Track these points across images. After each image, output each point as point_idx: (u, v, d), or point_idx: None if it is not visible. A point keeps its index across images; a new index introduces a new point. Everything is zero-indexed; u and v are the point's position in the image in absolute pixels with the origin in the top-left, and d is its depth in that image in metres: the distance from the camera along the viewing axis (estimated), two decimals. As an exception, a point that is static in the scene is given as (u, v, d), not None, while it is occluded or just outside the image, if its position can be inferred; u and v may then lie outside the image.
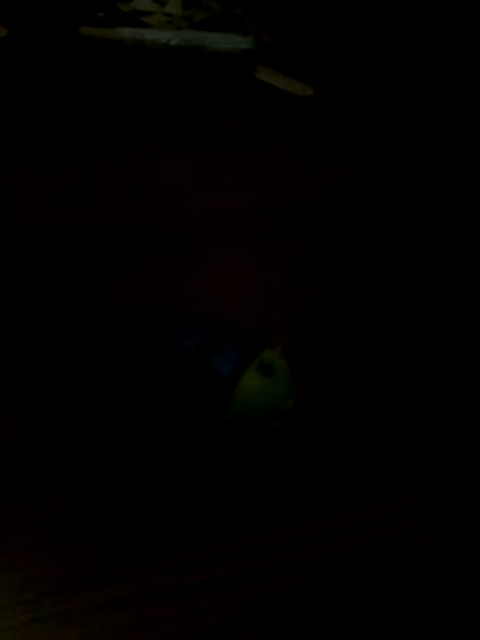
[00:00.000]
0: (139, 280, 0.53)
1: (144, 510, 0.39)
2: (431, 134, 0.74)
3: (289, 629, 0.36)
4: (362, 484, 0.42)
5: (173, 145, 0.66)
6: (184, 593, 0.36)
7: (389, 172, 0.69)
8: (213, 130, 0.69)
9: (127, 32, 0.72)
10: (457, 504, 0.43)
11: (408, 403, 0.48)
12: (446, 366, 0.51)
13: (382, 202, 0.65)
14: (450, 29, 0.90)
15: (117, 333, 0.48)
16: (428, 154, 0.72)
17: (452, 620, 0.38)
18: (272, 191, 0.64)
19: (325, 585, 0.38)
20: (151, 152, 0.65)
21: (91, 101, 0.68)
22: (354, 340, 0.51)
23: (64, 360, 0.46)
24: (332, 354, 0.50)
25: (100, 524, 0.38)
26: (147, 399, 0.44)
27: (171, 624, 0.35)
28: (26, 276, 0.52)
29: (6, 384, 0.43)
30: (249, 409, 0.41)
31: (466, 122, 0.77)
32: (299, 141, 0.70)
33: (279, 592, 0.37)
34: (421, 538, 0.41)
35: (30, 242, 0.54)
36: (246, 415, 0.41)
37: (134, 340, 0.48)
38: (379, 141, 0.72)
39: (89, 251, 0.54)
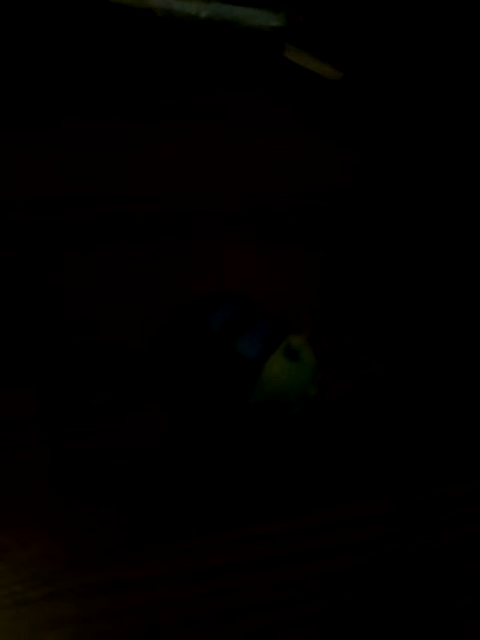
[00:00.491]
0: (154, 258, 0.52)
1: (163, 491, 0.38)
2: (462, 124, 0.73)
3: (301, 618, 0.35)
4: (382, 475, 0.42)
5: (195, 121, 0.65)
6: (201, 576, 0.35)
7: (414, 162, 0.67)
8: (237, 108, 0.68)
9: (156, 1, 0.70)
10: (477, 500, 0.42)
11: (431, 393, 0.47)
12: (473, 357, 0.50)
13: (404, 191, 0.64)
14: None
15: (136, 311, 0.47)
16: (455, 146, 0.70)
17: (465, 618, 0.37)
18: (292, 175, 0.63)
19: (342, 575, 0.37)
20: (172, 127, 0.63)
21: (115, 70, 0.66)
22: (377, 329, 0.51)
23: (82, 336, 0.45)
24: (355, 342, 0.49)
25: (118, 503, 0.37)
26: (172, 379, 0.43)
27: (187, 605, 0.34)
28: (43, 249, 0.50)
29: (25, 359, 0.43)
30: (274, 394, 0.40)
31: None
32: (324, 125, 0.69)
33: (296, 579, 0.36)
34: (445, 531, 0.40)
35: (51, 215, 0.53)
36: (270, 400, 0.40)
37: (154, 318, 0.47)
38: (405, 131, 0.71)
39: (105, 226, 0.53)
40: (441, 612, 0.37)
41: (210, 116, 0.66)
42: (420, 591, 0.38)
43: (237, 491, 0.39)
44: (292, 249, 0.56)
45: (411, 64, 0.79)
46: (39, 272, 0.48)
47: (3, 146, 0.57)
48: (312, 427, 0.43)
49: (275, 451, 0.41)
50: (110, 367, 0.43)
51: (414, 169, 0.67)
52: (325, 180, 0.63)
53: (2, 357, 0.42)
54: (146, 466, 0.39)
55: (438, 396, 0.47)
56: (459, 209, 0.64)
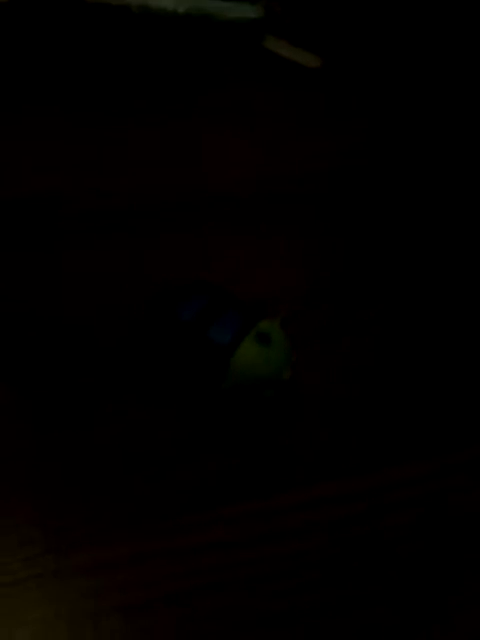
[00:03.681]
0: (139, 248, 0.53)
1: (140, 474, 0.40)
2: (440, 109, 0.73)
3: (276, 593, 0.37)
4: (356, 454, 0.43)
5: (177, 114, 0.66)
6: (178, 555, 0.37)
7: (394, 147, 0.68)
8: (218, 100, 0.69)
9: (134, -2, 0.71)
10: (448, 477, 0.43)
11: (404, 374, 0.48)
12: (445, 337, 0.51)
13: (386, 175, 0.65)
14: (465, 7, 0.88)
15: (116, 302, 0.49)
16: (436, 129, 0.71)
17: (437, 589, 0.39)
18: (275, 162, 0.64)
19: (316, 553, 0.38)
20: (153, 121, 0.64)
21: (94, 69, 0.67)
22: (353, 311, 0.52)
23: (62, 330, 0.46)
24: (330, 325, 0.50)
25: (97, 487, 0.39)
26: (146, 367, 0.45)
27: (165, 585, 0.36)
28: (26, 245, 0.52)
29: (5, 353, 0.44)
30: (246, 378, 0.41)
31: (475, 99, 0.76)
32: (305, 112, 0.70)
33: (272, 557, 0.38)
34: (412, 509, 0.41)
35: (32, 210, 0.54)
36: (243, 384, 0.41)
37: (133, 309, 0.48)
38: (387, 114, 0.71)
39: (89, 220, 0.55)
40: (407, 590, 0.38)
41: (191, 109, 0.67)
42: (397, 567, 0.39)
43: (211, 473, 0.41)
44: (274, 235, 0.57)
45: (393, 47, 0.79)
46: (17, 267, 0.50)
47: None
48: (286, 409, 0.44)
49: (249, 434, 0.43)
50: (90, 357, 0.45)
51: (401, 156, 0.67)
52: (308, 166, 0.64)
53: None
54: (125, 453, 0.41)
55: (410, 377, 0.48)
56: (445, 193, 0.64)
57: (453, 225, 0.61)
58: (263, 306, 0.44)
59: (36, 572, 0.35)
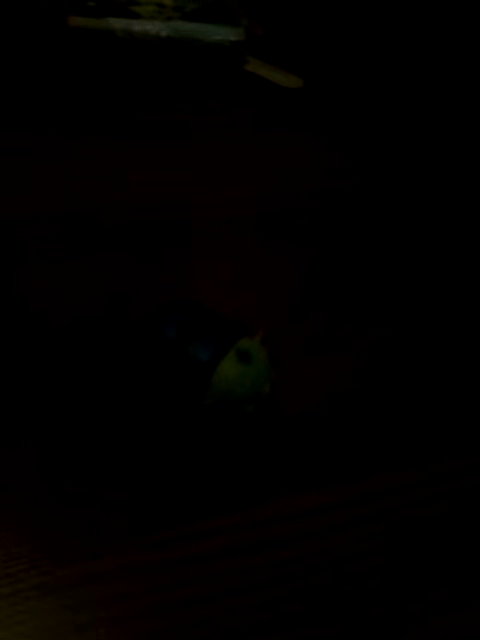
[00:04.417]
0: (123, 267, 0.54)
1: (123, 489, 0.41)
2: (421, 127, 0.75)
3: (259, 603, 0.38)
4: (335, 465, 0.44)
5: (161, 136, 0.67)
6: (161, 568, 0.38)
7: (375, 166, 0.70)
8: (199, 122, 0.70)
9: (116, 22, 0.73)
10: (429, 487, 0.44)
11: (382, 387, 0.49)
12: (423, 352, 0.53)
13: (366, 194, 0.66)
14: (445, 23, 0.90)
15: (99, 320, 0.50)
16: (417, 148, 0.73)
17: (418, 594, 0.40)
18: (255, 182, 0.65)
19: (298, 563, 0.39)
20: (138, 143, 0.66)
21: (79, 92, 0.69)
22: (332, 328, 0.53)
23: (46, 344, 0.47)
24: (310, 342, 0.51)
25: (80, 502, 0.40)
26: (129, 383, 0.46)
27: (149, 597, 0.37)
28: (14, 261, 0.53)
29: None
30: (227, 394, 0.42)
31: (458, 116, 0.78)
32: (286, 133, 0.71)
33: (253, 568, 0.39)
34: (392, 519, 0.42)
35: (22, 230, 0.55)
36: (224, 400, 0.43)
37: (117, 327, 0.49)
38: (368, 134, 0.73)
39: (77, 238, 0.56)
40: (391, 596, 0.39)
41: (174, 131, 0.68)
42: (379, 575, 0.40)
43: (194, 486, 0.41)
44: (254, 253, 0.58)
45: (373, 68, 0.81)
46: (6, 287, 0.51)
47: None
48: (267, 424, 0.45)
49: (231, 447, 0.44)
50: (73, 372, 0.46)
51: (383, 175, 0.69)
52: (289, 186, 0.66)
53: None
54: (107, 467, 0.41)
55: (389, 390, 0.50)
56: (426, 210, 0.66)
57: (433, 240, 0.63)
58: (243, 324, 0.45)
59: (20, 587, 0.36)
